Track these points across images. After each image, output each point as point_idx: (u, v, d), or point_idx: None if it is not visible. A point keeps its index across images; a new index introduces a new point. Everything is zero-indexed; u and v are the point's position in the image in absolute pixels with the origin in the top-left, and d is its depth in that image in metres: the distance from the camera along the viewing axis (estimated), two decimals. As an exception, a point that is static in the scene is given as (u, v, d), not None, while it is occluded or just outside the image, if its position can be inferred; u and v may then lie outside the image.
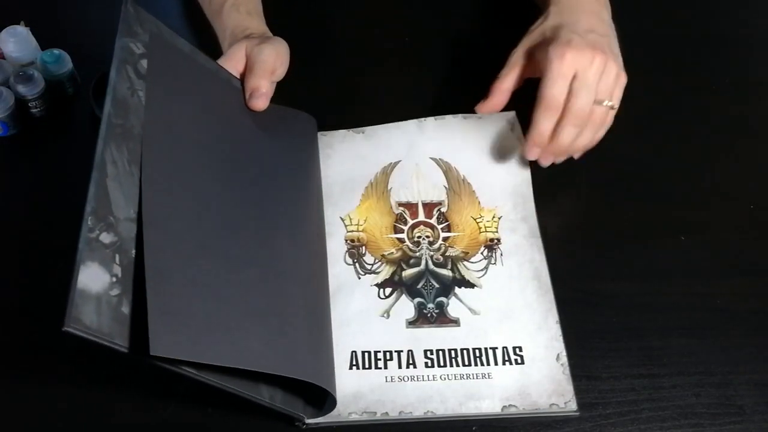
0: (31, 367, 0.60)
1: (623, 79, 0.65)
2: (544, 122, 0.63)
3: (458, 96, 0.78)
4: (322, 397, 0.55)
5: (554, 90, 0.62)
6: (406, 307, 0.63)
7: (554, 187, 0.71)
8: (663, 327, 0.63)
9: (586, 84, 0.62)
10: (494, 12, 0.83)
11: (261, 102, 0.65)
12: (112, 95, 0.51)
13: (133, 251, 0.47)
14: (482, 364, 0.59)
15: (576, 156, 0.69)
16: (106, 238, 0.45)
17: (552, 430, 0.57)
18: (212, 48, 0.66)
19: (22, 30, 0.74)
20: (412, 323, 0.62)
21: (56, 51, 0.74)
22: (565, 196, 0.71)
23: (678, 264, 0.67)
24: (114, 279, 0.44)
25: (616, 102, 0.65)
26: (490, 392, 0.58)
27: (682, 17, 0.88)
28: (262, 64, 0.65)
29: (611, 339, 0.62)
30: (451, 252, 0.66)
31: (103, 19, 0.83)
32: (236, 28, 0.71)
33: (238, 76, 0.67)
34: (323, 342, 0.58)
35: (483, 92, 0.72)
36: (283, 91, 0.69)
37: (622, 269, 0.66)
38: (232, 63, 0.66)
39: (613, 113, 0.66)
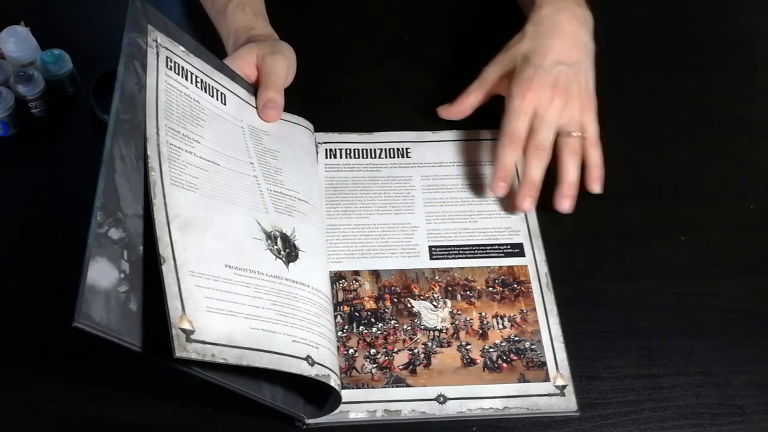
0: (31, 366, 0.60)
1: (589, 111, 0.68)
2: (506, 155, 0.66)
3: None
4: (324, 395, 0.55)
5: (515, 125, 0.66)
6: None
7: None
8: (663, 327, 0.63)
9: (546, 121, 0.66)
10: (495, 12, 0.83)
11: (275, 113, 0.66)
12: (120, 90, 0.50)
13: (140, 248, 0.47)
14: None
15: (595, 188, 0.68)
16: (114, 233, 0.44)
17: (552, 430, 0.57)
18: (213, 48, 0.66)
19: (22, 30, 0.73)
20: None
21: (56, 51, 0.74)
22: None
23: (678, 264, 0.67)
24: (122, 275, 0.44)
25: (589, 132, 0.68)
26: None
27: (682, 17, 0.88)
28: (277, 77, 0.66)
29: (611, 339, 0.62)
30: None
31: (103, 19, 0.83)
32: (241, 28, 0.71)
33: (244, 77, 0.67)
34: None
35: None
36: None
37: (622, 269, 0.66)
38: (239, 64, 0.67)
39: (591, 141, 0.68)
